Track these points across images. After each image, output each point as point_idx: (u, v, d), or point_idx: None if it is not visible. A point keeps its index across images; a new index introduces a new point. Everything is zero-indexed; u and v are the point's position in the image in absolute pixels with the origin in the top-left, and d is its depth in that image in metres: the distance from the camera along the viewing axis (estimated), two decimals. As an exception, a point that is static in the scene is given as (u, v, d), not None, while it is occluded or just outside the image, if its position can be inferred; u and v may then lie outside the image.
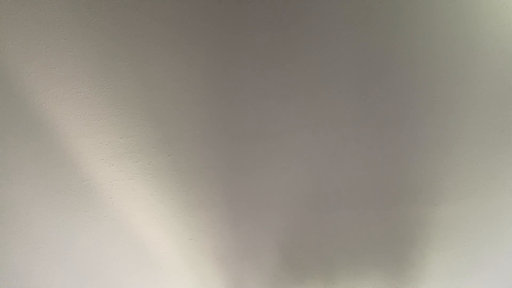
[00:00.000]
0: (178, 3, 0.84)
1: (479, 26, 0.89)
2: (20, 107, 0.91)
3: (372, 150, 1.03)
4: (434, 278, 1.25)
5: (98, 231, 1.09)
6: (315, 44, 0.90)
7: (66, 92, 0.91)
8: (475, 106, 0.99)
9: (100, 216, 1.07)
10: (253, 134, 0.99)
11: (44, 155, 0.97)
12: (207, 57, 0.90)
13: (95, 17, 0.84)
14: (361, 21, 0.88)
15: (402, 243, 1.18)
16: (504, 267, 1.25)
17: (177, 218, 1.09)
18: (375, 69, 0.93)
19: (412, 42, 0.90)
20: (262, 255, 1.20)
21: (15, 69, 0.87)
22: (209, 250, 1.16)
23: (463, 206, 1.13)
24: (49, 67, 0.88)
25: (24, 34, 0.84)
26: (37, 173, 0.99)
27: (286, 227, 1.14)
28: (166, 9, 0.84)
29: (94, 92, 0.92)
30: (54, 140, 0.96)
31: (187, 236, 1.13)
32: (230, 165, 1.03)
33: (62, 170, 0.99)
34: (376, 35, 0.89)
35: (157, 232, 1.11)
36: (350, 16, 0.87)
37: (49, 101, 0.91)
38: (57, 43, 0.86)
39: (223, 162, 1.02)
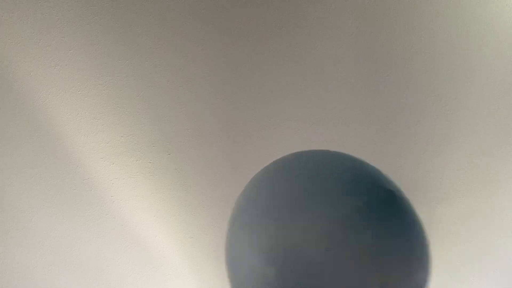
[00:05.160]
0: (180, 2, 0.84)
1: (482, 23, 0.89)
2: (20, 106, 0.92)
3: (373, 148, 1.02)
4: (435, 276, 1.25)
5: (98, 229, 1.09)
6: (317, 43, 0.89)
7: (66, 90, 0.91)
8: (477, 104, 0.98)
9: (100, 214, 1.07)
10: (254, 132, 0.99)
11: (44, 153, 0.97)
12: (208, 55, 0.90)
13: (96, 15, 0.84)
14: (362, 18, 0.87)
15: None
16: (506, 266, 1.24)
17: (177, 217, 1.09)
18: (376, 67, 0.93)
19: (413, 40, 0.90)
20: (263, 254, 1.20)
21: (15, 67, 0.87)
22: (209, 249, 1.16)
23: (464, 204, 1.12)
24: (49, 66, 0.88)
25: (24, 33, 0.84)
26: (37, 171, 0.99)
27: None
28: (167, 7, 0.84)
29: (94, 90, 0.92)
30: (54, 138, 0.96)
31: (188, 235, 1.13)
32: (231, 164, 1.03)
33: (62, 168, 1.00)
34: (377, 33, 0.89)
35: (158, 230, 1.11)
36: (351, 13, 0.86)
37: (49, 99, 0.92)
38: (57, 41, 0.86)
39: (224, 160, 1.02)
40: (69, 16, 0.84)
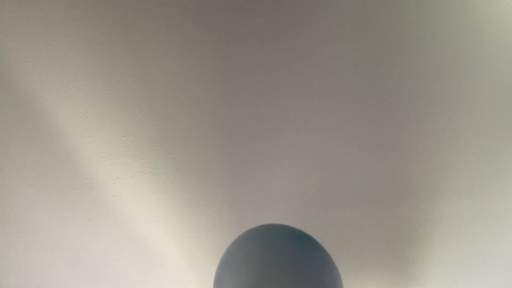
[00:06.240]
0: (180, 3, 0.84)
1: (482, 24, 0.89)
2: (21, 106, 0.92)
3: (374, 148, 1.02)
4: (435, 276, 1.25)
5: (99, 229, 1.10)
6: (317, 43, 0.89)
7: (67, 90, 0.91)
8: (477, 104, 0.98)
9: (102, 214, 1.07)
10: (255, 132, 0.99)
11: (46, 154, 0.98)
12: (209, 55, 0.90)
13: (96, 15, 0.84)
14: (363, 21, 0.87)
15: (404, 241, 1.18)
16: (506, 266, 1.24)
17: (178, 217, 1.09)
18: (376, 68, 0.93)
19: (413, 41, 0.90)
20: (264, 253, 1.20)
21: (16, 68, 0.88)
22: (210, 248, 1.16)
23: (465, 204, 1.12)
24: (50, 66, 0.88)
25: (25, 33, 0.84)
26: (39, 171, 0.99)
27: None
28: (168, 8, 0.84)
29: (95, 90, 0.92)
30: (55, 139, 0.96)
31: (189, 235, 1.13)
32: (231, 164, 1.03)
33: (63, 168, 1.00)
34: (378, 34, 0.89)
35: (159, 230, 1.11)
36: (352, 16, 0.86)
37: (50, 99, 0.92)
38: (58, 41, 0.86)
39: (225, 160, 1.02)
40: (70, 16, 0.84)
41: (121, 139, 0.98)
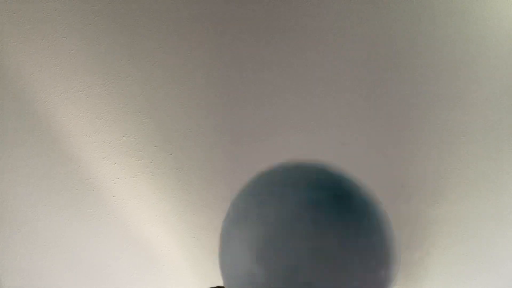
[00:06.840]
0: (180, 2, 0.84)
1: (481, 25, 0.89)
2: (22, 106, 0.92)
3: (374, 148, 1.03)
4: (435, 276, 1.25)
5: (100, 228, 1.09)
6: (318, 43, 0.89)
7: (67, 90, 0.91)
8: (478, 105, 0.98)
9: (102, 214, 1.07)
10: (255, 132, 0.99)
11: (46, 153, 0.98)
12: (209, 56, 0.90)
13: (97, 15, 0.84)
14: (363, 20, 0.87)
15: (404, 241, 1.18)
16: (506, 266, 1.24)
17: (179, 216, 1.09)
18: (377, 68, 0.93)
19: (414, 40, 0.90)
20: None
21: (17, 68, 0.88)
22: (211, 248, 1.16)
23: (465, 204, 1.12)
24: (51, 66, 0.88)
25: (26, 33, 0.84)
26: (40, 171, 0.99)
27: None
28: (168, 8, 0.84)
29: (96, 90, 0.92)
30: (56, 138, 0.96)
31: (189, 234, 1.13)
32: (231, 164, 1.03)
33: (64, 168, 1.00)
34: (378, 33, 0.89)
35: (159, 230, 1.11)
36: (353, 15, 0.87)
37: (51, 99, 0.92)
38: (59, 41, 0.86)
39: (225, 160, 1.02)
40: (70, 16, 0.84)
41: (121, 139, 0.98)
